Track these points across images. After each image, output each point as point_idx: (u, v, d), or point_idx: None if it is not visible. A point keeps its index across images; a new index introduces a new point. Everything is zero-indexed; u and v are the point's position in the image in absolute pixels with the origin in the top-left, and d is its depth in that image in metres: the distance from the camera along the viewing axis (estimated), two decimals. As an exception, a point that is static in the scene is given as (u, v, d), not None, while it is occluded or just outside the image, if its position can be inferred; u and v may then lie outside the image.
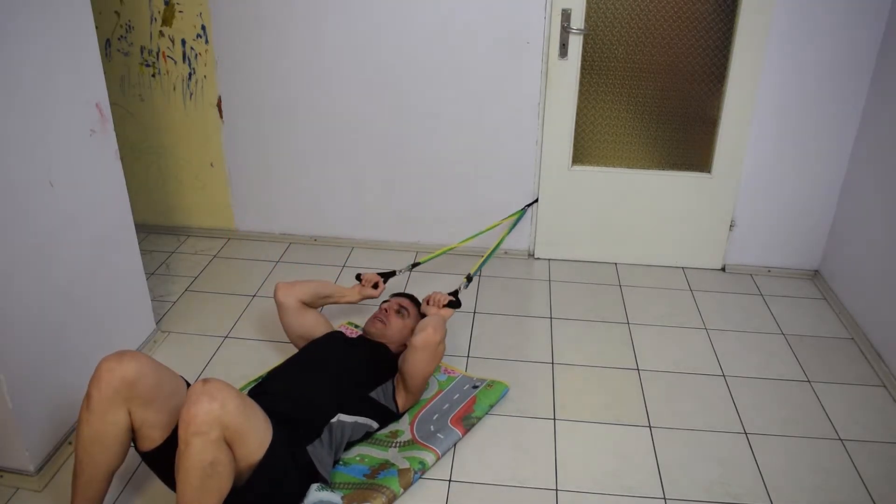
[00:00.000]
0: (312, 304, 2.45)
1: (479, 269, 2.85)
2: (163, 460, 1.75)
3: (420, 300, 2.54)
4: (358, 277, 2.60)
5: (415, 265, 2.82)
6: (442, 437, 2.12)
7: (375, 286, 2.58)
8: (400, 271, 2.76)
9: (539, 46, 2.88)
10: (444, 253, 3.02)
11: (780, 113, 2.88)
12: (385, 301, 2.48)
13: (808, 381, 2.48)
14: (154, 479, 1.95)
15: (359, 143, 3.15)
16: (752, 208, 3.07)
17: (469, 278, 2.70)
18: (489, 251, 3.07)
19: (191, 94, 3.15)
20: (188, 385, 1.85)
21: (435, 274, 3.12)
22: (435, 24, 2.89)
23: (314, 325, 2.39)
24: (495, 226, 3.14)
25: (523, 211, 3.16)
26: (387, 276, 2.65)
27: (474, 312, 2.84)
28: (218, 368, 2.49)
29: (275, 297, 2.40)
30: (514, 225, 3.19)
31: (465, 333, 2.70)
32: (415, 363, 2.12)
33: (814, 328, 2.79)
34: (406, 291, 2.80)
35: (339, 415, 1.98)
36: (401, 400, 2.20)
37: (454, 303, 2.43)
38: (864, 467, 2.10)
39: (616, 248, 3.22)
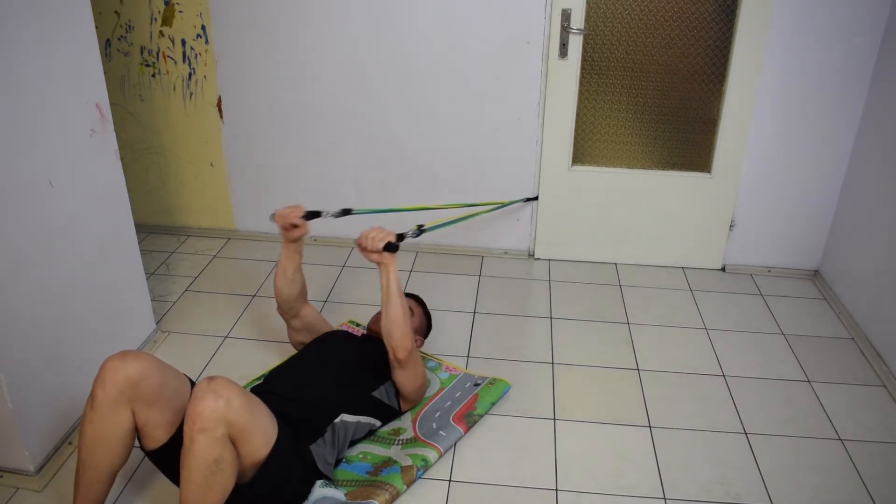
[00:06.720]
0: (294, 286, 2.29)
1: (441, 227, 2.58)
2: (167, 459, 1.75)
3: (421, 299, 2.53)
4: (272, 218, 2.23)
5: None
6: (444, 434, 2.12)
7: (296, 227, 2.22)
8: (326, 214, 2.31)
9: (539, 46, 2.88)
10: (424, 207, 2.90)
11: (779, 113, 2.88)
12: None
13: (808, 381, 2.48)
14: (156, 477, 1.95)
15: (358, 143, 3.15)
16: (752, 208, 3.08)
17: (421, 228, 2.26)
18: (474, 213, 2.97)
19: (191, 94, 3.15)
20: (192, 384, 1.85)
21: (435, 274, 3.12)
22: (435, 24, 2.89)
23: (315, 319, 2.38)
24: (492, 206, 3.10)
25: (523, 200, 3.15)
26: (310, 214, 2.24)
27: (474, 312, 2.84)
28: (218, 368, 2.48)
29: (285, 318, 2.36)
30: (505, 205, 3.12)
31: (465, 333, 2.70)
32: (404, 381, 2.12)
33: (814, 328, 2.79)
34: (409, 291, 2.80)
35: (341, 415, 1.98)
36: (403, 398, 2.20)
37: (392, 245, 2.01)
38: (864, 467, 2.10)
39: (616, 248, 3.22)
